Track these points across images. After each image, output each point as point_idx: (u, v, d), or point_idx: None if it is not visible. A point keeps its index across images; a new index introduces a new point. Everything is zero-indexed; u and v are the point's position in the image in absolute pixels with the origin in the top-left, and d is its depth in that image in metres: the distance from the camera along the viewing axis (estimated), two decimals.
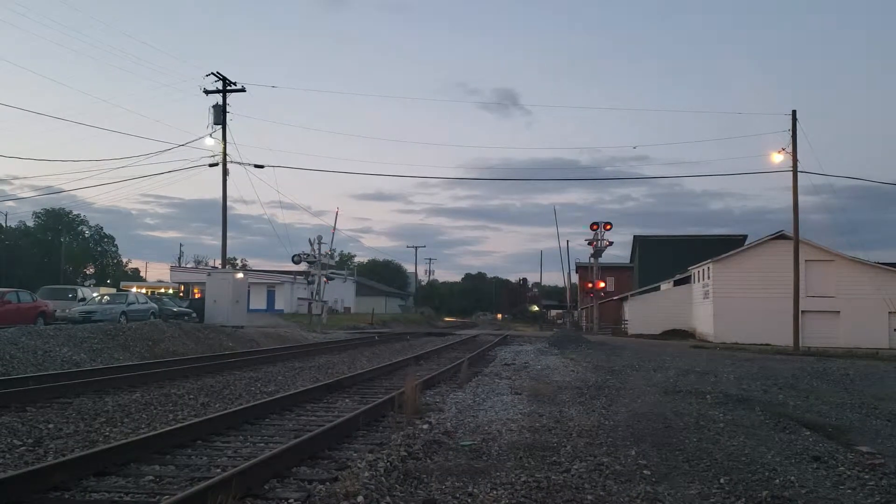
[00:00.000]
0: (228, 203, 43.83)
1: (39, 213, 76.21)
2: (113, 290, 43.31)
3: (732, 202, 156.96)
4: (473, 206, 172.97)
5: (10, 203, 72.18)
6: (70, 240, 77.93)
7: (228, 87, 33.83)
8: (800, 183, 28.64)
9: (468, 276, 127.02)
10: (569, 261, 61.27)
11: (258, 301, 57.20)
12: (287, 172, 75.38)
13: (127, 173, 70.99)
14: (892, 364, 20.76)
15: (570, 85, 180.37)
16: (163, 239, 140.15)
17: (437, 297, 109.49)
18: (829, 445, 7.56)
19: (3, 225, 68.97)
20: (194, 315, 31.08)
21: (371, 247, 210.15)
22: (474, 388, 11.88)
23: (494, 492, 5.34)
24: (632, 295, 47.34)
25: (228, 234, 35.72)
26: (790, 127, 28.69)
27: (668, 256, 49.78)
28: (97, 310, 25.98)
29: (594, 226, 42.27)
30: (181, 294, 43.39)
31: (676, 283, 45.35)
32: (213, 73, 33.52)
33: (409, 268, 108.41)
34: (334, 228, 39.51)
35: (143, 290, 39.73)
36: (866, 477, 6.15)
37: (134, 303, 27.95)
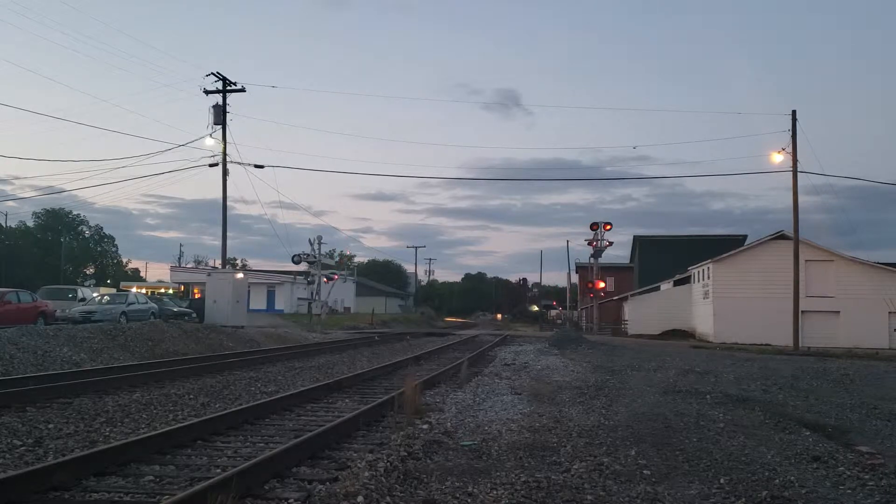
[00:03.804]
0: (228, 203, 43.82)
1: (39, 213, 76.29)
2: (113, 291, 43.31)
3: (733, 202, 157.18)
4: (474, 206, 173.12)
5: (11, 203, 72.24)
6: (70, 240, 77.94)
7: (228, 87, 33.81)
8: (800, 183, 28.69)
9: (468, 276, 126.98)
10: (569, 261, 61.28)
11: (258, 301, 57.20)
12: (287, 172, 75.54)
13: (127, 173, 71.28)
14: (892, 364, 20.76)
15: (571, 85, 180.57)
16: (163, 239, 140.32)
17: (436, 297, 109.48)
18: (829, 445, 7.56)
19: (3, 225, 69.00)
20: (194, 315, 31.05)
21: (371, 247, 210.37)
22: (474, 388, 11.88)
23: (494, 492, 5.34)
24: (632, 295, 47.33)
25: (228, 234, 35.74)
26: (790, 127, 28.70)
27: (668, 256, 49.75)
28: (97, 310, 25.96)
29: (594, 226, 42.11)
30: (181, 294, 43.41)
31: (676, 283, 45.33)
32: (213, 73, 33.53)
33: (410, 268, 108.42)
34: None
35: (143, 291, 39.74)
36: (866, 477, 6.15)
37: (134, 303, 27.92)
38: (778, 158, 29.25)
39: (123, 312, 26.12)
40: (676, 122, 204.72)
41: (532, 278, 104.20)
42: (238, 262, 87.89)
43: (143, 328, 19.71)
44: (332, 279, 39.01)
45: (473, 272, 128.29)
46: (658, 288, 48.08)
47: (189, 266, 72.32)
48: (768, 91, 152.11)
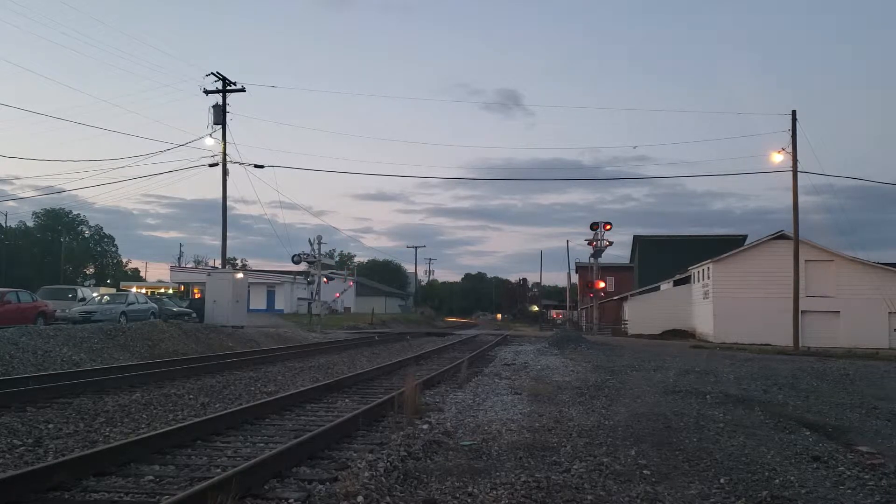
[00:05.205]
0: (228, 203, 43.89)
1: (39, 213, 76.39)
2: (113, 290, 43.32)
3: (733, 202, 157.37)
4: (474, 206, 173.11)
5: (11, 203, 72.15)
6: (70, 240, 78.00)
7: (228, 87, 33.79)
8: (800, 183, 28.67)
9: (468, 276, 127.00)
10: (569, 261, 61.29)
11: (258, 301, 57.18)
12: (287, 172, 75.47)
13: (127, 173, 71.34)
14: (892, 364, 20.75)
15: (572, 85, 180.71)
16: (163, 239, 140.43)
17: (436, 297, 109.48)
18: (829, 445, 7.55)
19: (3, 225, 69.01)
20: (194, 315, 31.04)
21: (371, 247, 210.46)
22: (474, 388, 11.87)
23: (494, 492, 5.34)
24: (632, 295, 47.33)
25: (229, 234, 35.74)
26: (790, 127, 28.68)
27: (668, 256, 49.77)
28: (97, 310, 25.95)
29: (594, 226, 42.21)
30: (181, 294, 43.40)
31: (676, 283, 45.33)
32: (213, 73, 33.48)
33: (409, 268, 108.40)
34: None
35: (143, 291, 39.73)
36: (866, 477, 6.14)
37: (134, 303, 27.91)
38: (778, 158, 29.25)
39: (123, 312, 26.11)
40: (676, 122, 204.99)
41: (532, 278, 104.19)
42: (238, 262, 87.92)
43: (143, 328, 19.70)
44: (332, 279, 39.03)
45: (473, 272, 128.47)
46: (658, 288, 48.08)
47: (189, 266, 72.36)
48: (768, 91, 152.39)
